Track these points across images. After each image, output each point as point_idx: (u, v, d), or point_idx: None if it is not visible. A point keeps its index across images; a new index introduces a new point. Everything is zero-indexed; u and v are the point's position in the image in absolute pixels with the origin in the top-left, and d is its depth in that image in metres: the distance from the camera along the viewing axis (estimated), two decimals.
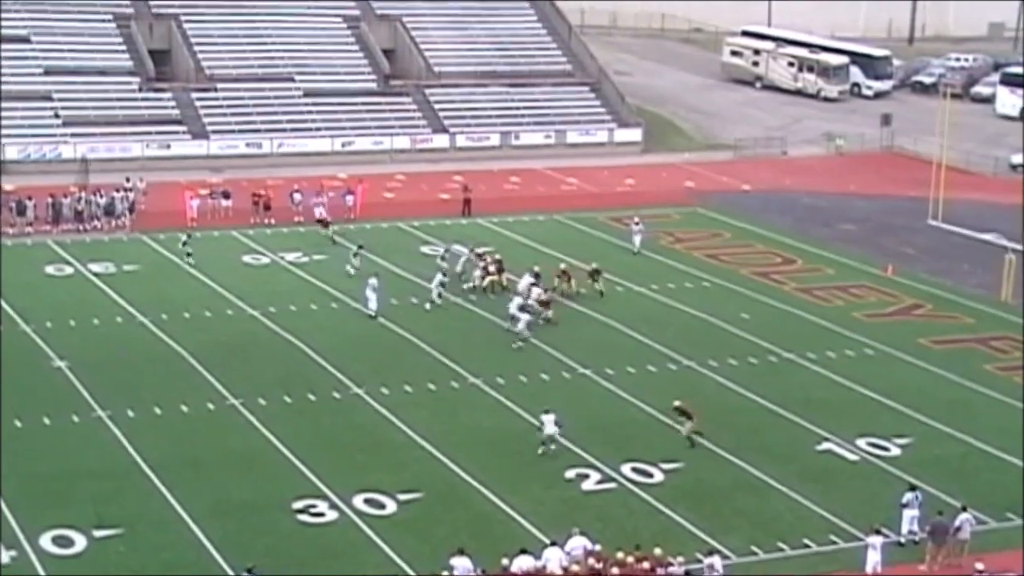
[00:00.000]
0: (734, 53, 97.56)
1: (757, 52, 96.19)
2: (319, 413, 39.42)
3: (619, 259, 55.57)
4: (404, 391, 41.17)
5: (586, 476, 36.08)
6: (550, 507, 34.32)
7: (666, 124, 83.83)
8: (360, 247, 52.63)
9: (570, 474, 36.15)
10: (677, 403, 38.87)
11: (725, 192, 68.86)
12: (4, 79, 72.45)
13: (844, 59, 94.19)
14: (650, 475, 36.33)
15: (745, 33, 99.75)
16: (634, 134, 79.65)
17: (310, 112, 76.50)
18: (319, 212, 59.11)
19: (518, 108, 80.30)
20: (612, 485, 35.74)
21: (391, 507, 33.95)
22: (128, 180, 61.06)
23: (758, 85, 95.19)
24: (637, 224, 57.31)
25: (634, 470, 36.47)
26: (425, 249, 56.60)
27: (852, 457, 38.04)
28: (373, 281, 48.15)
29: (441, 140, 77.06)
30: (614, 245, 57.27)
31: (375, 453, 36.95)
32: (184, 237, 53.93)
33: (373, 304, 47.60)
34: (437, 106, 79.12)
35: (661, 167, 74.33)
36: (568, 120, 79.98)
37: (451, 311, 48.05)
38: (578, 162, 74.29)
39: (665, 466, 36.76)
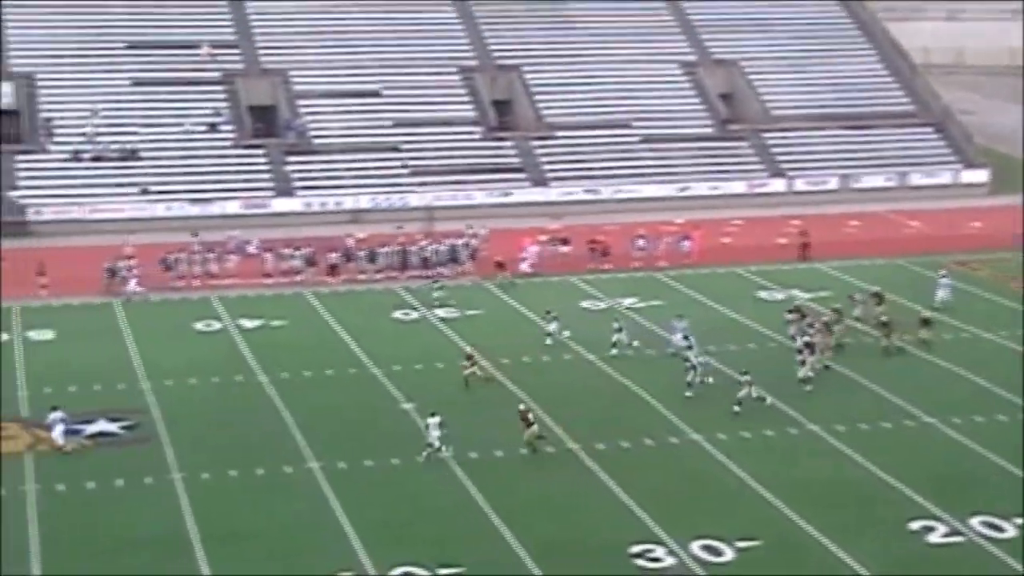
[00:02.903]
0: None
1: None
2: (656, 458, 39.43)
3: (965, 304, 53.64)
4: (741, 436, 40.79)
5: (932, 528, 34.81)
6: (894, 559, 33.26)
7: (1016, 165, 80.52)
8: (548, 312, 50.80)
9: (914, 526, 34.97)
10: (521, 407, 39.87)
11: None
12: (357, 132, 76.01)
13: None
14: (1001, 530, 34.76)
15: None
16: (981, 175, 76.93)
17: (647, 158, 77.10)
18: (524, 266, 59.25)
19: (858, 150, 78.75)
20: (960, 539, 34.38)
21: (729, 554, 33.60)
22: (470, 227, 62.90)
23: None
24: (944, 276, 55.02)
25: (984, 524, 34.98)
26: (762, 295, 56.14)
27: None
28: (679, 323, 48.21)
29: (778, 184, 76.31)
30: (958, 290, 55.23)
31: (712, 499, 36.68)
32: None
33: (679, 342, 47.55)
34: (774, 150, 78.44)
35: (1010, 209, 71.34)
36: (910, 162, 77.94)
37: (791, 357, 47.37)
38: (921, 205, 72.23)
39: (1019, 521, 35.08)
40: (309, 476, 37.68)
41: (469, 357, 45.47)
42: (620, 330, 48.60)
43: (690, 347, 46.37)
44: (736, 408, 42.26)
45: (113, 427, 41.01)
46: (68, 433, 39.35)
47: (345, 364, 47.34)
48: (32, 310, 53.61)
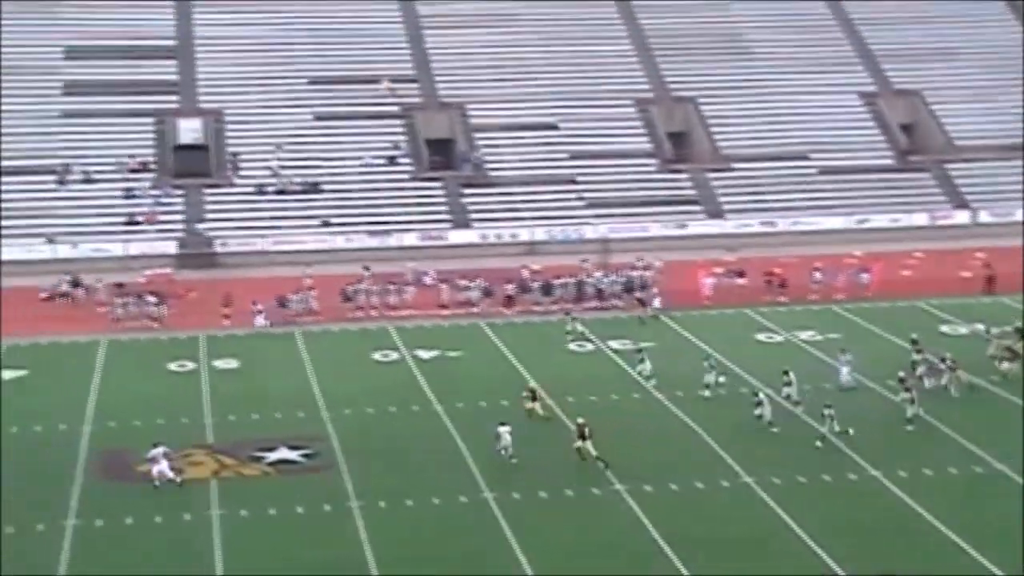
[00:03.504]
0: None
1: None
2: (836, 494, 38.77)
3: None
4: (924, 474, 39.88)
5: None
6: None
7: None
8: (640, 350, 50.10)
9: None
10: (580, 420, 41.09)
11: None
12: (533, 164, 76.62)
13: None
14: None
15: None
16: None
17: (824, 190, 76.18)
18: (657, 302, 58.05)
19: None
20: None
21: None
22: (640, 260, 62.72)
23: None
24: None
25: None
26: (944, 328, 54.92)
27: None
28: (844, 356, 47.55)
29: (962, 216, 74.77)
30: None
31: (895, 538, 35.91)
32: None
33: (846, 378, 46.96)
34: (958, 181, 76.84)
35: None
36: None
37: (981, 395, 46.22)
38: None
39: None
40: (484, 506, 37.94)
41: (532, 392, 44.99)
42: (712, 369, 47.68)
43: (789, 383, 45.60)
44: (818, 443, 41.88)
45: (294, 455, 41.87)
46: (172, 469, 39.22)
47: (520, 395, 47.54)
48: (218, 339, 55.11)
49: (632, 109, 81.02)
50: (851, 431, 42.18)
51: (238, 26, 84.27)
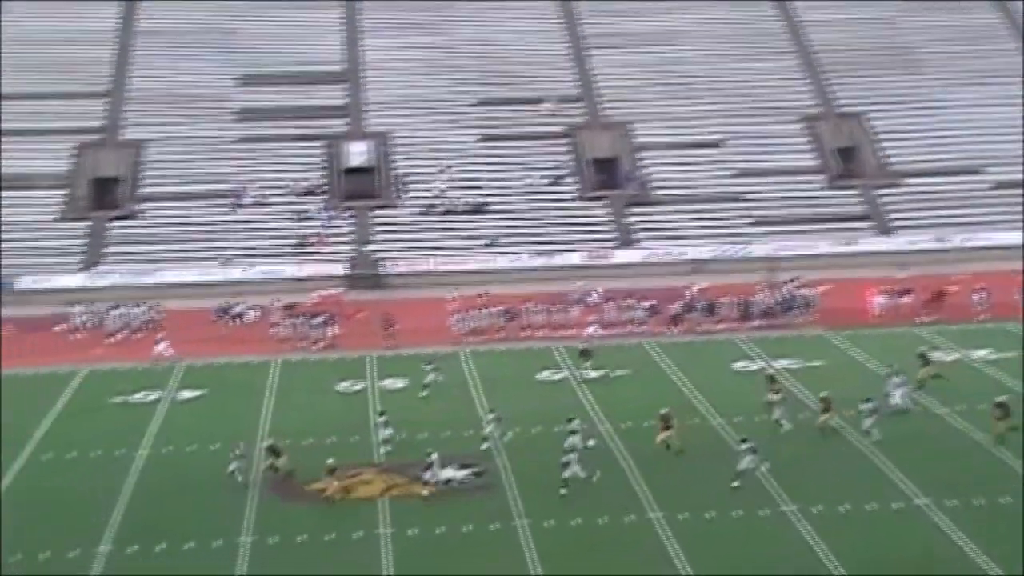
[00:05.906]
0: None
1: None
2: (1007, 516, 37.84)
3: None
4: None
5: None
6: None
7: None
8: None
9: None
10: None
11: None
12: (698, 182, 76.40)
13: None
14: None
15: None
16: None
17: (999, 204, 74.43)
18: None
19: None
20: None
21: None
22: (795, 278, 61.72)
23: None
24: None
25: None
26: None
27: None
28: (896, 378, 46.54)
29: None
30: None
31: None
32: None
33: (897, 400, 45.96)
34: None
35: None
36: None
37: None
38: None
39: None
40: (650, 526, 37.86)
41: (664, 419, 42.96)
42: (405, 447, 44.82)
43: (575, 431, 42.30)
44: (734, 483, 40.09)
45: (462, 473, 42.27)
46: None
47: (685, 414, 47.27)
48: (386, 359, 55.95)
49: (798, 125, 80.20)
50: (596, 476, 40.27)
51: (405, 50, 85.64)
